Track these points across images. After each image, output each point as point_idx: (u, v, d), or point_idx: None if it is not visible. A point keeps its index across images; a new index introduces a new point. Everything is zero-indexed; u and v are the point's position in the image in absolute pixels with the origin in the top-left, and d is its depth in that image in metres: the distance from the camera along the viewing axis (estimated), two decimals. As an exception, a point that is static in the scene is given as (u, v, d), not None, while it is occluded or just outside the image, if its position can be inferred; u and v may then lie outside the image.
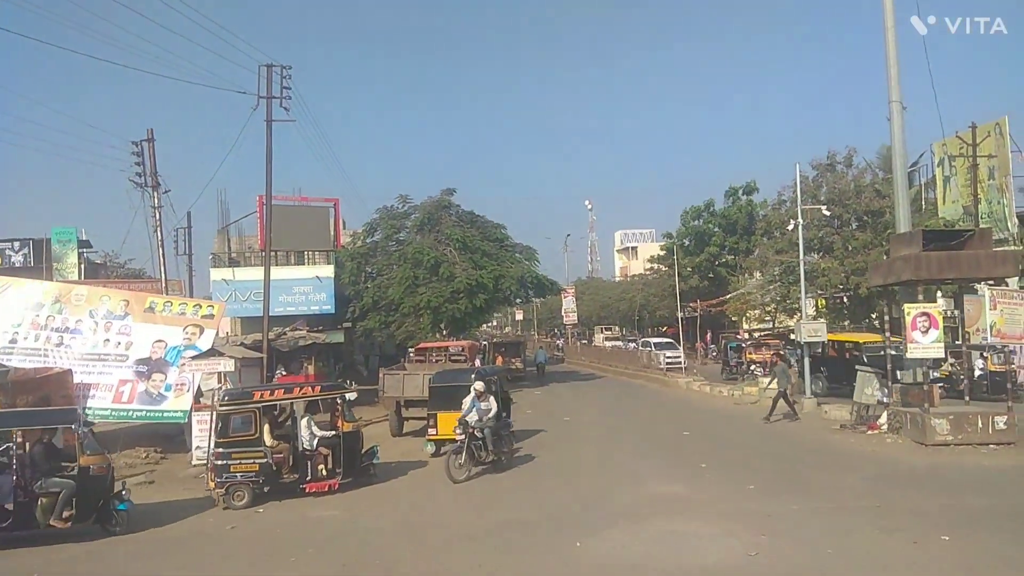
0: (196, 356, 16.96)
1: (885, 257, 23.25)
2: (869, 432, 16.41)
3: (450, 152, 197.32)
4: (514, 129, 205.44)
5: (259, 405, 12.78)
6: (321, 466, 12.88)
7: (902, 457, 14.05)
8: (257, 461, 12.42)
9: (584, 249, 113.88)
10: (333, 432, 13.19)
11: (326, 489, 12.70)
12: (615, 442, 17.42)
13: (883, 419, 16.50)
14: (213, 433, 12.91)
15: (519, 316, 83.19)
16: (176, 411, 17.34)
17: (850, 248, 31.62)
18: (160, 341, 18.06)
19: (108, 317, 18.18)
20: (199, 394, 17.14)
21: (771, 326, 47.30)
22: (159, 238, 24.31)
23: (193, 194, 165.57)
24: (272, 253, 24.56)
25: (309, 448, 12.88)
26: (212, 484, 12.44)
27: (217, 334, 19.70)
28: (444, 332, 33.45)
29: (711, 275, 52.86)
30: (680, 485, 12.24)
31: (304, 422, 12.98)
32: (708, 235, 52.12)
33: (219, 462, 12.37)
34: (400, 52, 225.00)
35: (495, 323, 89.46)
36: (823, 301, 37.08)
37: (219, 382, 17.30)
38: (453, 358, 28.65)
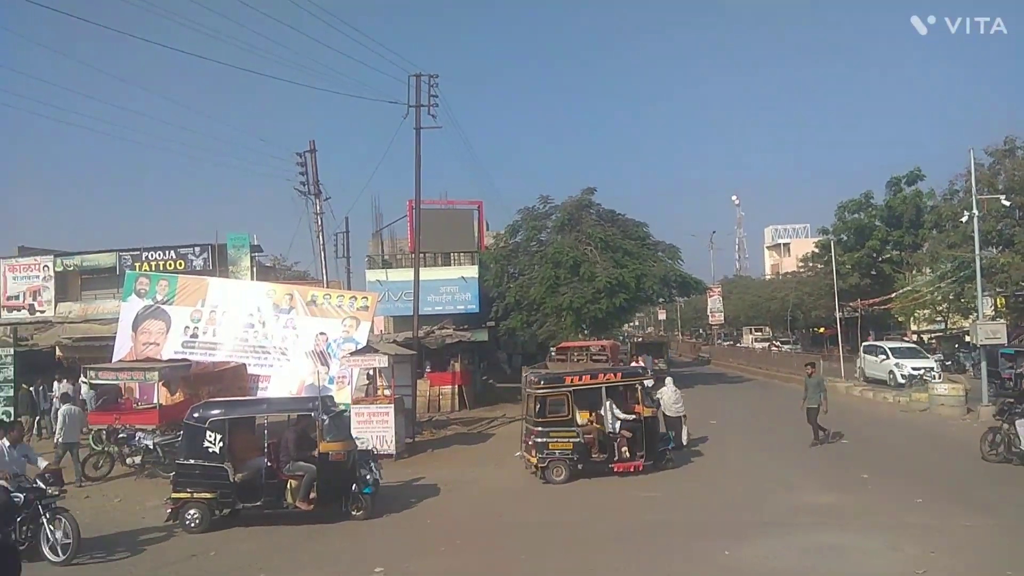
0: (354, 352, 17.79)
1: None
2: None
3: (592, 150, 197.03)
4: (657, 126, 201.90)
5: (571, 389, 13.91)
6: (624, 448, 13.64)
7: (1101, 475, 12.51)
8: (571, 440, 13.43)
9: (731, 246, 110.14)
10: (634, 416, 13.85)
11: (631, 470, 13.46)
12: (765, 447, 16.73)
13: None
14: (531, 414, 14.06)
15: (662, 316, 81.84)
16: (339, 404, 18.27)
17: (1034, 242, 28.56)
18: (322, 334, 19.08)
19: (276, 311, 19.48)
20: (367, 386, 17.87)
21: (943, 327, 43.48)
22: (321, 242, 25.88)
23: (350, 199, 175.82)
24: (421, 255, 25.54)
25: (613, 430, 13.69)
26: (534, 460, 13.49)
27: (372, 328, 20.53)
28: (586, 332, 33.45)
29: (873, 272, 49.25)
30: (837, 495, 11.61)
31: (608, 405, 13.85)
32: (869, 229, 48.56)
33: (539, 440, 13.47)
34: (541, 50, 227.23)
35: (637, 323, 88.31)
36: (1003, 300, 33.74)
37: (368, 378, 18.15)
38: (594, 358, 28.65)
